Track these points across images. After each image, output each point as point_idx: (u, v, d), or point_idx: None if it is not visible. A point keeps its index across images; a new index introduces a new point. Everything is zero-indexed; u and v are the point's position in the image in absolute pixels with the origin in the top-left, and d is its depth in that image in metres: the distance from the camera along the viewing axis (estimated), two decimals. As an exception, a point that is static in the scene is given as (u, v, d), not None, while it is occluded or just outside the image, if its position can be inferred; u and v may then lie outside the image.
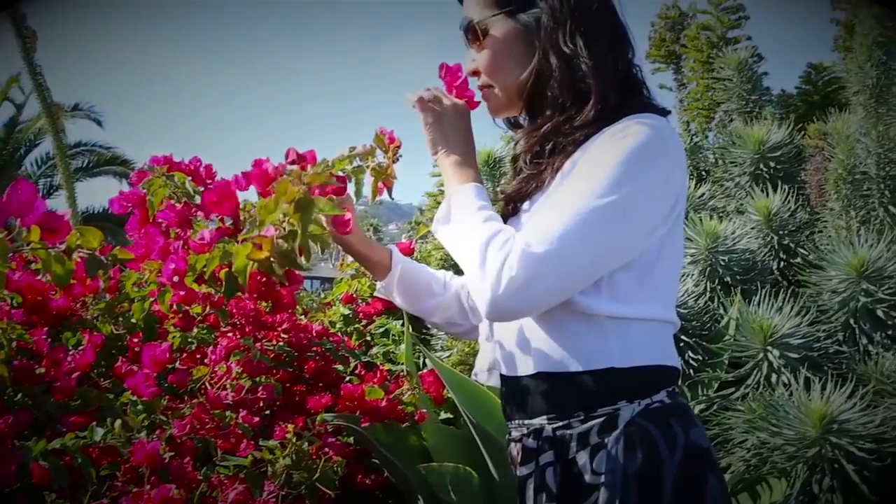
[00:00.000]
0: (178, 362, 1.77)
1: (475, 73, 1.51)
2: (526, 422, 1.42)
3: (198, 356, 1.84)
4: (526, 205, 1.44)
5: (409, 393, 2.12)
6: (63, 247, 1.10)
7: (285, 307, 1.51)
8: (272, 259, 1.12)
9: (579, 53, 1.45)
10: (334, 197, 1.22)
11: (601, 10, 1.51)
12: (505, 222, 1.43)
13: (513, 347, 1.43)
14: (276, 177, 1.23)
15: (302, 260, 1.13)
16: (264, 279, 1.24)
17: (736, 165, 3.73)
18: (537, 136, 1.46)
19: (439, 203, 3.82)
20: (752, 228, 3.31)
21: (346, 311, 3.06)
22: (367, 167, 1.39)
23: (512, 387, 1.45)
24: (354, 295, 3.09)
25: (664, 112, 1.43)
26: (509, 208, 1.46)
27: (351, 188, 1.37)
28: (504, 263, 1.24)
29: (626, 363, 1.34)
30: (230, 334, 1.89)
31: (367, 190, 1.38)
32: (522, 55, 1.47)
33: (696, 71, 4.82)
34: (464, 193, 1.41)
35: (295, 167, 1.21)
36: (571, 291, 1.30)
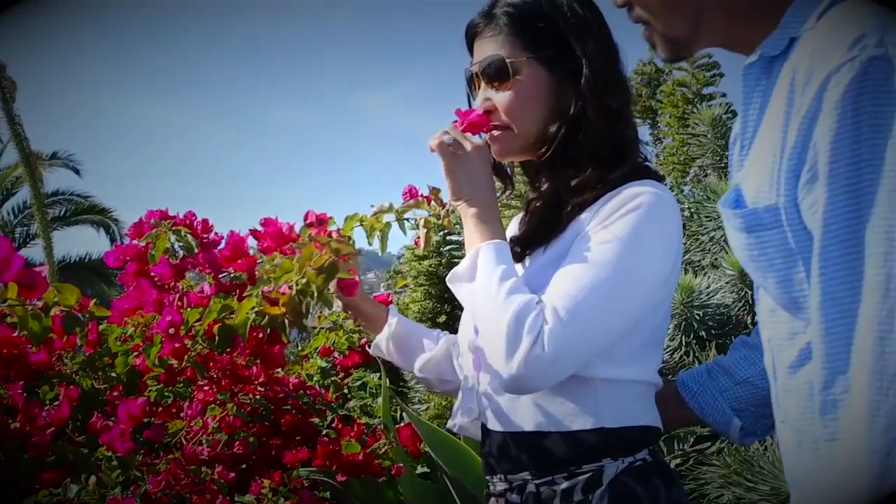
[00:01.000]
0: (154, 417, 1.76)
1: (489, 113, 1.51)
2: (509, 477, 1.43)
3: (174, 410, 1.83)
4: (537, 256, 1.45)
5: (385, 447, 2.12)
6: (40, 304, 1.10)
7: (275, 364, 1.52)
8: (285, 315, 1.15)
9: (622, 111, 1.50)
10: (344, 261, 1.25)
11: (622, 67, 1.56)
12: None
13: (501, 402, 1.44)
14: (291, 236, 1.26)
15: (308, 320, 1.16)
16: (259, 335, 1.26)
17: (710, 220, 3.77)
18: (558, 187, 1.47)
19: (417, 256, 3.84)
20: (727, 283, 3.35)
21: (324, 364, 3.05)
22: (419, 220, 1.44)
23: (496, 441, 1.46)
24: (332, 347, 3.08)
25: (661, 178, 1.48)
26: (516, 251, 1.47)
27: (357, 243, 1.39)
28: (534, 345, 1.26)
29: (615, 423, 1.36)
30: (206, 388, 1.89)
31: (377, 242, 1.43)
32: (549, 101, 1.49)
33: (672, 126, 4.90)
34: (487, 253, 1.39)
35: (312, 231, 1.25)
36: (589, 362, 1.33)
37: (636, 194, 1.37)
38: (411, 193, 1.50)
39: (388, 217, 1.45)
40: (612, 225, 1.34)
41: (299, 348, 3.24)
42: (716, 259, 3.54)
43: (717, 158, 4.11)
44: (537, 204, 1.51)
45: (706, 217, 3.81)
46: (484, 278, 1.36)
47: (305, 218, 1.36)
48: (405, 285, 3.67)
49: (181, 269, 1.43)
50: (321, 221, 1.34)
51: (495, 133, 1.51)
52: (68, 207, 17.01)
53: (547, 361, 1.26)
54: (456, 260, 3.53)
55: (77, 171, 16.56)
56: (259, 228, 1.36)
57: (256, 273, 1.29)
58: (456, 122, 1.49)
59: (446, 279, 1.45)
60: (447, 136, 1.45)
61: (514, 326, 1.27)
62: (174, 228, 1.39)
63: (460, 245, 3.55)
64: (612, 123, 1.47)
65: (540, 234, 1.46)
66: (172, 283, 1.43)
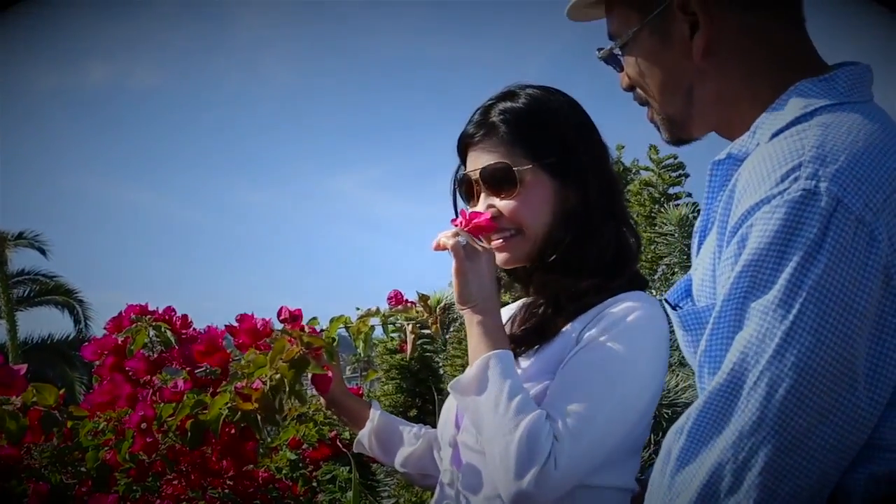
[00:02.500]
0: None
1: (494, 219, 1.53)
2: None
3: (142, 505, 1.81)
4: (529, 355, 1.49)
5: (355, 543, 2.10)
6: (18, 402, 1.11)
7: (247, 461, 1.52)
8: (258, 411, 1.16)
9: (625, 216, 1.56)
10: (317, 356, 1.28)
11: (614, 170, 1.62)
12: None
13: (479, 501, 1.45)
14: (266, 333, 1.28)
15: (279, 416, 1.17)
16: (232, 431, 1.27)
17: (678, 317, 3.82)
18: (558, 293, 1.51)
19: (389, 350, 3.83)
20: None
21: (293, 457, 3.02)
22: (406, 325, 1.46)
23: None
24: (302, 440, 3.06)
25: (647, 283, 1.54)
26: (510, 347, 1.49)
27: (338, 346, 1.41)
28: (545, 464, 1.30)
29: None
30: (176, 482, 1.87)
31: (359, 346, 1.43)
32: (555, 207, 1.53)
33: (640, 225, 4.99)
34: (495, 365, 1.39)
35: (287, 326, 1.27)
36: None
37: (632, 310, 1.42)
38: (397, 299, 1.52)
39: (374, 321, 1.48)
40: (612, 344, 1.38)
41: (269, 440, 3.22)
42: (683, 357, 3.59)
43: (685, 257, 4.19)
44: (536, 309, 1.53)
45: (674, 315, 3.86)
46: (492, 393, 1.37)
47: (279, 314, 1.39)
48: (377, 378, 3.67)
49: (157, 364, 1.44)
50: (294, 317, 1.37)
51: (503, 240, 1.54)
52: (33, 287, 16.85)
53: (557, 479, 1.30)
54: (427, 354, 3.54)
55: (43, 252, 16.48)
56: (234, 324, 1.38)
57: (230, 368, 1.31)
58: (456, 221, 1.50)
59: (449, 386, 1.46)
60: (461, 237, 1.45)
61: (525, 446, 1.30)
62: (154, 324, 1.41)
63: (432, 339, 3.56)
64: (617, 229, 1.52)
65: (536, 336, 1.49)
66: (148, 378, 1.44)
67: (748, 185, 1.01)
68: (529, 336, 1.50)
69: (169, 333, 1.42)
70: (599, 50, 1.30)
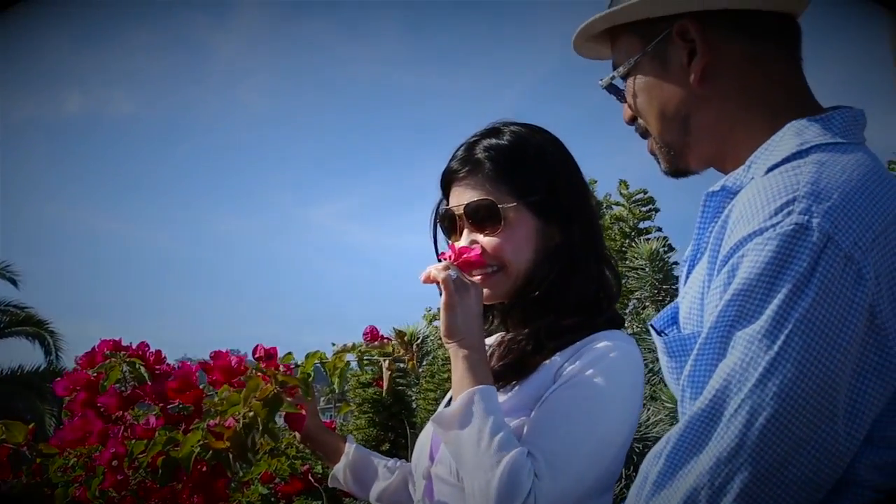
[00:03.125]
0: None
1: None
2: None
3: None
4: (507, 390, 1.49)
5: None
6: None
7: (218, 498, 1.52)
8: (230, 450, 1.16)
9: (607, 254, 1.58)
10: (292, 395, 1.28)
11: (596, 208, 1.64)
12: None
13: None
14: (240, 370, 1.28)
15: (251, 455, 1.17)
16: (203, 468, 1.27)
17: (650, 352, 3.85)
18: (539, 330, 1.51)
19: (362, 383, 3.83)
20: (666, 415, 3.40)
21: (265, 491, 3.01)
22: (384, 360, 1.46)
23: None
24: (274, 474, 3.06)
25: (623, 321, 1.56)
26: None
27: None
28: (525, 500, 1.30)
29: None
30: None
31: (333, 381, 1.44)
32: (538, 244, 1.55)
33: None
34: (479, 401, 1.39)
35: (261, 364, 1.28)
36: None
37: (611, 348, 1.44)
38: (372, 335, 1.52)
39: (349, 356, 1.48)
40: (592, 381, 1.40)
41: (241, 475, 3.20)
42: (654, 391, 3.61)
43: (655, 291, 4.23)
44: (515, 345, 1.54)
45: (645, 349, 3.89)
46: (475, 428, 1.37)
47: (254, 351, 1.39)
48: (349, 411, 3.66)
49: (129, 400, 1.44)
50: (270, 356, 1.37)
51: (484, 276, 1.54)
52: (3, 318, 16.63)
53: None
54: (400, 387, 3.54)
55: (14, 282, 16.28)
56: (208, 359, 1.38)
57: (203, 406, 1.31)
58: (445, 255, 1.51)
59: (431, 419, 1.47)
60: (452, 271, 1.45)
61: (506, 483, 1.30)
62: (129, 360, 1.41)
63: (405, 372, 3.57)
64: (598, 268, 1.55)
65: (515, 372, 1.50)
66: (120, 414, 1.44)
67: (741, 216, 1.03)
68: (508, 372, 1.51)
69: (143, 370, 1.42)
70: (602, 80, 1.32)
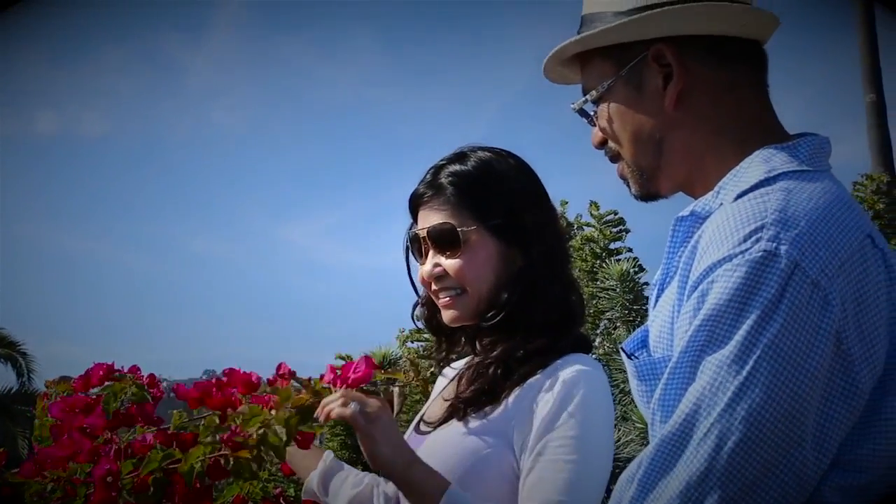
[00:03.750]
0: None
1: (440, 277, 1.59)
2: None
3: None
4: (475, 418, 1.52)
5: None
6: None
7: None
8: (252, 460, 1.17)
9: (570, 277, 1.61)
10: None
11: (563, 233, 1.67)
12: (452, 416, 1.53)
13: None
14: (258, 384, 1.28)
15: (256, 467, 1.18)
16: (198, 486, 1.27)
17: (620, 372, 3.88)
18: (507, 353, 1.54)
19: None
20: (637, 435, 3.43)
21: (238, 514, 2.98)
22: (394, 386, 1.46)
23: None
24: (246, 497, 3.03)
25: (590, 344, 1.60)
26: (460, 407, 1.54)
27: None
28: None
29: None
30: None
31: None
32: (498, 267, 1.58)
33: (582, 280, 5.06)
34: None
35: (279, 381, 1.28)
36: None
37: (581, 377, 1.47)
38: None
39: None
40: (567, 425, 1.45)
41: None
42: (626, 411, 3.64)
43: (626, 312, 4.27)
44: (484, 370, 1.56)
45: (616, 369, 3.93)
46: None
47: (279, 369, 1.39)
48: (322, 433, 3.65)
49: (121, 421, 1.43)
50: (292, 374, 1.37)
51: (448, 298, 1.58)
52: (-27, 340, 16.35)
53: None
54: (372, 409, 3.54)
55: (-13, 303, 16.01)
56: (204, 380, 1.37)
57: (224, 416, 1.30)
58: (326, 378, 1.41)
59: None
60: (354, 404, 1.38)
61: None
62: (136, 383, 1.41)
63: (377, 395, 3.57)
64: (561, 290, 1.57)
65: (486, 398, 1.52)
66: (109, 436, 1.43)
67: (711, 242, 1.05)
68: (479, 397, 1.53)
69: (148, 395, 1.42)
70: (574, 103, 1.33)
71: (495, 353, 1.56)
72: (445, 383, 1.75)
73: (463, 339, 1.69)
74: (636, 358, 1.17)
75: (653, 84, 1.23)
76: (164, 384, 1.60)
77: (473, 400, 1.53)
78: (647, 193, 1.30)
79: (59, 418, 1.36)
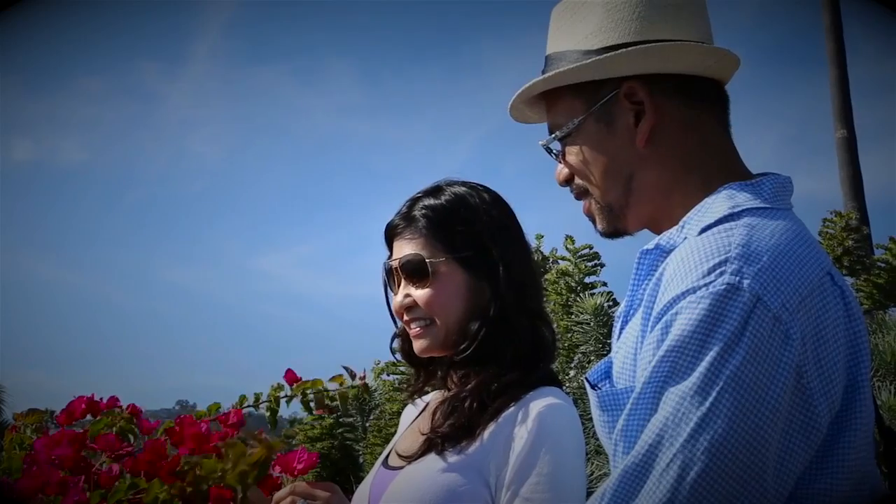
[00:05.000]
0: None
1: (409, 309, 1.61)
2: None
3: None
4: (451, 454, 1.51)
5: None
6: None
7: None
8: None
9: (540, 311, 1.62)
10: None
11: (536, 267, 1.69)
12: (429, 451, 1.53)
13: None
14: (213, 436, 1.28)
15: None
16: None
17: (594, 405, 3.88)
18: (480, 387, 1.55)
19: (310, 438, 3.79)
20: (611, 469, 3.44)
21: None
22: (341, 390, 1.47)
23: None
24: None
25: (558, 381, 1.61)
26: (437, 442, 1.53)
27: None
28: None
29: None
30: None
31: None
32: (468, 299, 1.60)
33: (557, 313, 5.09)
34: None
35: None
36: None
37: (549, 417, 1.48)
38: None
39: (286, 394, 1.49)
40: (542, 462, 1.46)
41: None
42: (598, 445, 3.64)
43: (600, 345, 4.30)
44: (459, 403, 1.56)
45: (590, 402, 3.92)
46: None
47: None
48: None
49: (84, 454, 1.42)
50: (240, 423, 1.37)
51: (418, 328, 1.60)
52: (-58, 371, 16.09)
53: None
54: (348, 442, 3.54)
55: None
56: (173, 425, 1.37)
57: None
58: (276, 470, 1.43)
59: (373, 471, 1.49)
60: (301, 502, 1.43)
61: None
62: (125, 416, 1.41)
63: (353, 427, 3.57)
64: (531, 323, 1.59)
65: (464, 432, 1.52)
66: (81, 466, 1.42)
67: (675, 274, 1.06)
68: (456, 433, 1.54)
69: (136, 428, 1.42)
70: (542, 140, 1.34)
71: (469, 386, 1.57)
72: (415, 414, 1.76)
73: (439, 372, 1.70)
74: (599, 388, 1.18)
75: (623, 121, 1.25)
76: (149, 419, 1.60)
77: (451, 435, 1.53)
78: (615, 230, 1.32)
79: (44, 452, 1.36)
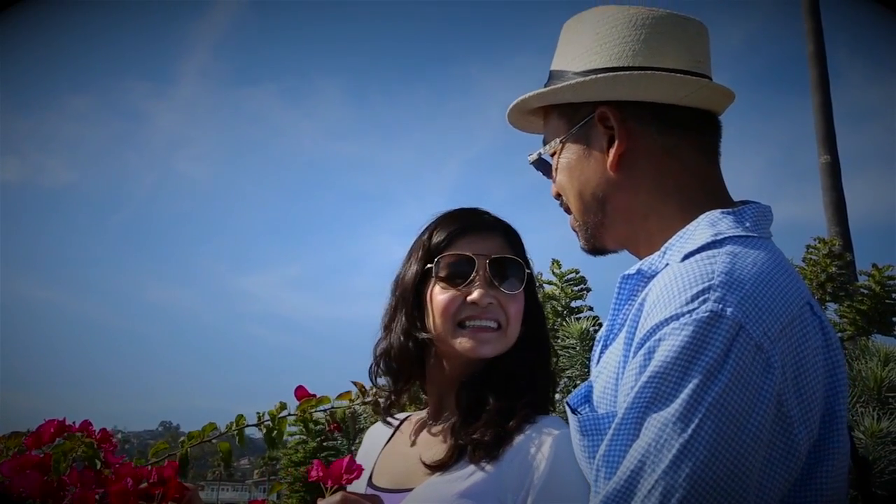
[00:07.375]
0: None
1: (490, 309, 1.60)
2: None
3: None
4: (480, 479, 1.48)
5: None
6: None
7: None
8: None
9: (550, 344, 1.65)
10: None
11: None
12: (460, 458, 1.51)
13: None
14: (139, 491, 1.28)
15: None
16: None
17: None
18: (497, 413, 1.53)
19: (294, 462, 3.76)
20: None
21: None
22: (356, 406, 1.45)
23: None
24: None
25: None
26: (474, 450, 1.50)
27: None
28: None
29: None
30: None
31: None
32: (523, 319, 1.66)
33: (543, 337, 5.07)
34: None
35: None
36: None
37: (561, 445, 1.44)
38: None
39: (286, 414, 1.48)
40: (561, 492, 1.43)
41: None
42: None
43: (586, 370, 4.28)
44: (491, 416, 1.53)
45: (575, 427, 3.92)
46: None
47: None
48: (280, 491, 3.61)
49: (54, 486, 1.41)
50: (163, 481, 1.36)
51: (489, 331, 1.57)
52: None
53: None
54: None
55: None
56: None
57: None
58: (313, 473, 1.42)
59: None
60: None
61: None
62: (87, 441, 1.41)
63: (337, 451, 3.55)
64: (548, 352, 1.62)
65: (486, 454, 1.50)
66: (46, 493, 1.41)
67: (658, 300, 1.07)
68: (495, 442, 1.50)
69: (101, 454, 1.41)
70: (530, 154, 1.37)
71: (489, 407, 1.54)
72: (386, 434, 1.73)
73: (435, 392, 1.66)
74: (580, 413, 1.18)
75: (598, 145, 1.27)
76: (119, 436, 1.60)
77: (440, 464, 1.51)
78: (594, 248, 1.34)
79: (8, 477, 1.35)
